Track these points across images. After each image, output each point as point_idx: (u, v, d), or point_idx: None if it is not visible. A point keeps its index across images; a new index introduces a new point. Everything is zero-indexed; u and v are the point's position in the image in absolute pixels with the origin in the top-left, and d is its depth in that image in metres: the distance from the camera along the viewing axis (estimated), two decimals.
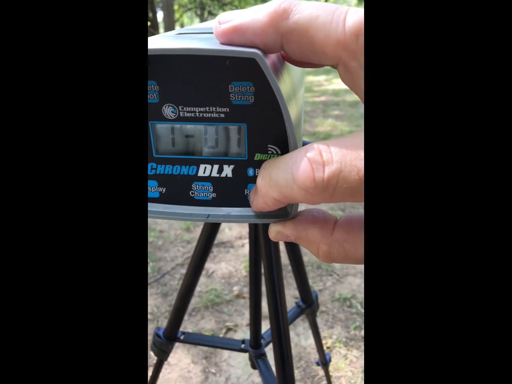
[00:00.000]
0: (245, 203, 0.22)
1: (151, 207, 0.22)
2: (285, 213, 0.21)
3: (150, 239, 1.72)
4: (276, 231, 0.20)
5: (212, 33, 0.19)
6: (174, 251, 1.65)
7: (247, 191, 0.21)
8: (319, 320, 1.27)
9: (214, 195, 0.22)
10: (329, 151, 0.15)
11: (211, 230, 0.51)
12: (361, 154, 0.15)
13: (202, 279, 1.49)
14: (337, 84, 4.70)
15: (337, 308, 1.34)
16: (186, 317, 1.32)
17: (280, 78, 0.18)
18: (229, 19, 0.16)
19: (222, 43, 0.17)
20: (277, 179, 0.17)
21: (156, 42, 0.18)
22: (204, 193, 0.22)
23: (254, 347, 0.56)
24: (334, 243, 0.18)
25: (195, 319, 1.31)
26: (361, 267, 1.51)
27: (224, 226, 1.81)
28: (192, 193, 0.22)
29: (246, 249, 1.63)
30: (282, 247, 0.63)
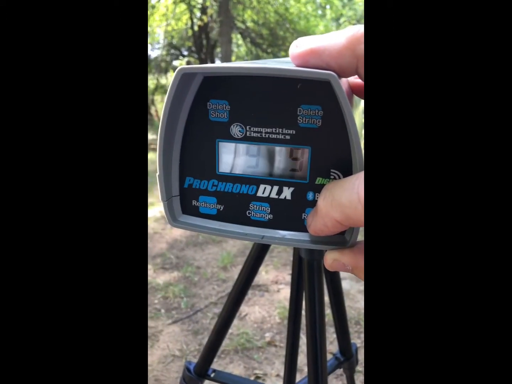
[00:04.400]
0: (302, 227, 0.21)
1: (208, 223, 0.23)
2: (343, 240, 0.20)
3: (186, 274, 1.73)
4: (332, 258, 0.19)
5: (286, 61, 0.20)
6: (209, 289, 1.64)
7: (304, 215, 0.21)
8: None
9: (270, 216, 0.22)
10: None
11: (258, 254, 0.50)
12: None
13: (234, 321, 1.45)
14: None
15: None
16: (215, 358, 1.28)
17: (350, 103, 0.18)
18: (307, 42, 0.17)
19: (298, 65, 0.18)
20: (340, 198, 0.16)
21: (232, 63, 0.19)
22: (260, 214, 0.22)
23: None
24: None
25: (224, 362, 1.26)
26: None
27: (261, 269, 1.78)
28: (249, 213, 0.22)
29: (281, 295, 1.59)
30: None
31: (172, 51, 7.37)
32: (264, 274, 1.76)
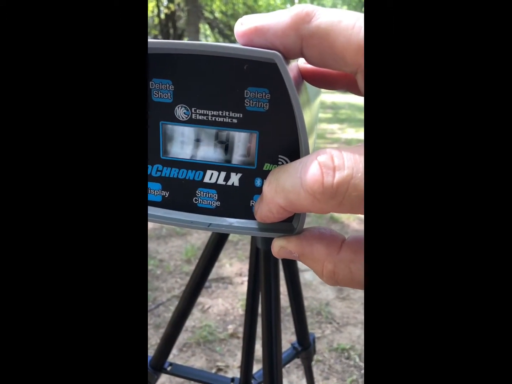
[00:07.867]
0: (250, 214, 0.21)
1: (152, 210, 0.22)
2: (290, 228, 0.20)
3: (149, 267, 1.69)
4: (279, 246, 0.19)
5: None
6: (171, 282, 1.61)
7: (252, 202, 0.21)
8: (315, 370, 1.21)
9: (218, 203, 0.21)
10: (341, 156, 0.15)
11: (216, 244, 0.49)
12: None
13: (196, 314, 1.44)
14: (350, 133, 4.78)
15: (334, 358, 1.27)
16: (176, 352, 1.26)
17: (298, 86, 0.18)
18: (252, 19, 0.16)
19: (242, 44, 0.17)
20: (284, 183, 0.16)
21: (175, 41, 0.18)
22: (208, 201, 0.21)
23: None
24: (340, 263, 0.17)
25: (185, 355, 1.25)
26: (362, 317, 1.46)
27: (225, 261, 1.78)
28: (195, 200, 0.21)
29: (245, 287, 1.59)
30: (282, 287, 0.61)
31: None
32: (228, 267, 1.76)
